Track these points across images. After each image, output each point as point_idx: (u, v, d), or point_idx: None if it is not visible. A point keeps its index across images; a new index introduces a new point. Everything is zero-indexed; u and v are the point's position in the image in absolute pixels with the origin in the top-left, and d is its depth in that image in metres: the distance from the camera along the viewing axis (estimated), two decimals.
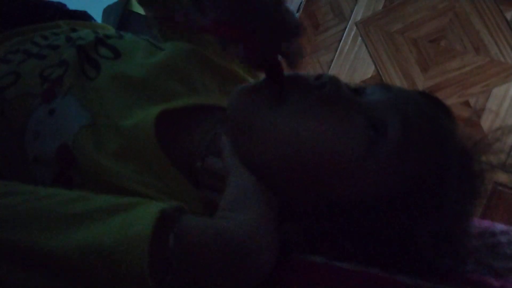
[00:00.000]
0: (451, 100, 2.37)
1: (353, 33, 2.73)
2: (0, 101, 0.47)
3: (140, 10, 1.97)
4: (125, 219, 0.31)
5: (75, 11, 0.69)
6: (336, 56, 2.75)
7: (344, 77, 2.63)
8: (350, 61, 2.71)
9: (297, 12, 2.89)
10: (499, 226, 0.50)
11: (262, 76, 0.67)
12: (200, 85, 0.53)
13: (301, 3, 2.90)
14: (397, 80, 2.54)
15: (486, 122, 2.31)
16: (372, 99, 0.42)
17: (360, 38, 2.70)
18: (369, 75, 2.63)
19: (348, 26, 2.75)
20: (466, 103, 2.36)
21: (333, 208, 0.40)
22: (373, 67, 2.63)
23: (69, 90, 0.46)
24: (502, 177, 2.04)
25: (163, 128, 0.46)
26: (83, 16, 0.71)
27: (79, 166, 0.42)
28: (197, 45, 0.57)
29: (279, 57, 0.42)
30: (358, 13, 2.73)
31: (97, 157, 0.42)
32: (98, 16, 1.60)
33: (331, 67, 2.76)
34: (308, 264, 0.38)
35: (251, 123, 0.41)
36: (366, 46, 2.67)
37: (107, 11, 1.86)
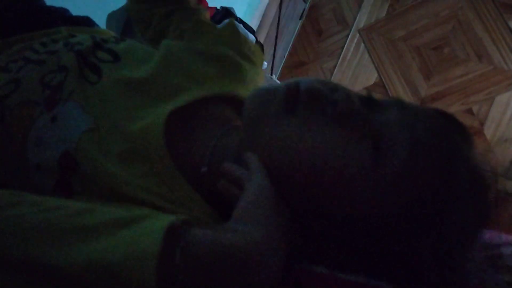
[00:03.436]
0: (454, 108, 2.36)
1: (356, 40, 2.73)
2: (1, 109, 0.47)
3: None
4: (133, 233, 0.31)
5: (77, 17, 0.70)
6: (339, 62, 2.76)
7: (346, 84, 2.62)
8: (353, 68, 2.71)
9: (300, 19, 2.90)
10: (504, 237, 0.50)
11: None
12: (200, 76, 0.53)
13: (304, 10, 2.91)
14: (400, 88, 2.54)
15: (489, 130, 2.31)
16: (384, 117, 0.41)
17: (363, 45, 2.71)
18: (372, 82, 2.63)
19: (351, 33, 2.75)
20: (469, 111, 2.36)
21: (334, 222, 0.39)
22: (375, 74, 2.63)
23: (70, 96, 0.46)
24: (508, 183, 2.02)
25: (171, 130, 0.46)
26: (86, 22, 0.71)
27: (82, 172, 0.42)
28: (188, 40, 0.58)
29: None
30: (361, 20, 2.74)
31: (100, 161, 0.42)
32: (102, 22, 1.60)
33: (333, 74, 2.76)
34: (311, 274, 0.38)
35: (260, 125, 0.41)
36: (369, 53, 2.67)
37: (111, 17, 1.86)
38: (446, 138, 0.41)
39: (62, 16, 0.66)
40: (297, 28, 2.91)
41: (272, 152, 0.40)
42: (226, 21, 0.63)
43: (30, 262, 0.30)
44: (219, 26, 0.64)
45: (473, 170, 0.41)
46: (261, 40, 2.62)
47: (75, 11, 0.76)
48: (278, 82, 1.67)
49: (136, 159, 0.44)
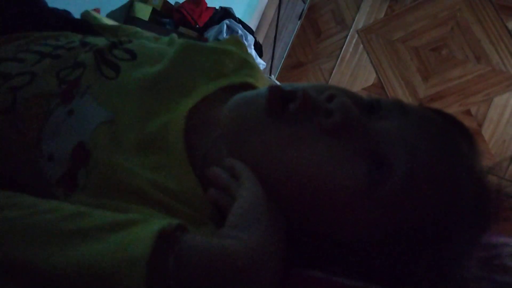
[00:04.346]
0: (452, 109, 2.37)
1: (354, 40, 2.74)
2: (13, 99, 0.47)
3: (142, 15, 1.99)
4: (124, 238, 0.31)
5: (79, 20, 0.70)
6: (337, 63, 2.76)
7: (345, 85, 2.64)
8: (352, 69, 2.71)
9: (299, 19, 2.91)
10: (501, 237, 0.50)
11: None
12: (215, 71, 0.53)
13: (303, 10, 2.91)
14: (398, 89, 2.54)
15: (488, 131, 2.32)
16: (383, 126, 0.38)
17: (361, 46, 2.71)
18: (370, 83, 2.64)
19: (349, 34, 2.76)
20: (468, 112, 2.37)
21: (328, 239, 0.38)
22: (374, 74, 2.63)
23: (86, 90, 0.46)
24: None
25: (187, 125, 0.46)
26: (87, 23, 0.72)
27: (92, 163, 0.42)
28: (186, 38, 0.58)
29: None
30: (360, 21, 2.75)
31: (112, 152, 0.42)
32: None
33: (332, 75, 2.76)
34: (308, 278, 0.37)
35: (244, 134, 0.40)
36: (367, 54, 2.68)
37: (110, 17, 1.87)
38: (449, 153, 0.38)
39: (65, 18, 0.66)
40: (296, 29, 2.91)
41: (258, 164, 0.39)
42: (225, 21, 0.63)
43: (21, 265, 0.30)
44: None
45: (477, 184, 0.39)
46: (260, 40, 2.62)
47: (75, 12, 0.76)
48: (277, 83, 1.67)
49: (151, 150, 0.44)
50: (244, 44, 0.60)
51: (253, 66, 0.57)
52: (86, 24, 0.69)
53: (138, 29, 0.72)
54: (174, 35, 0.66)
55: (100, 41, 0.54)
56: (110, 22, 0.75)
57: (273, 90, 0.39)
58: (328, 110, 0.38)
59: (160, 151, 0.44)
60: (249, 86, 0.54)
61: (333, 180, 0.36)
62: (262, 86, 0.56)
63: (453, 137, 0.40)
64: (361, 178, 0.36)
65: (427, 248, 0.37)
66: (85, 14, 0.74)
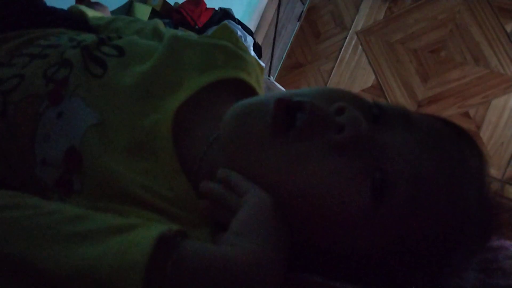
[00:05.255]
0: (451, 111, 2.37)
1: (353, 42, 2.74)
2: (3, 104, 0.47)
3: (142, 16, 1.99)
4: (123, 242, 0.31)
5: (77, 18, 0.70)
6: (336, 64, 2.76)
7: (344, 86, 2.64)
8: (351, 70, 2.72)
9: (298, 20, 2.91)
10: (498, 241, 0.49)
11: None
12: (204, 65, 0.52)
13: (302, 11, 2.92)
14: (397, 90, 2.55)
15: (486, 133, 2.32)
16: (388, 141, 0.37)
17: (360, 47, 2.71)
18: (369, 84, 2.64)
19: (349, 35, 2.76)
20: (466, 114, 2.37)
21: (329, 250, 0.38)
22: (373, 76, 2.64)
23: (75, 91, 0.46)
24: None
25: (177, 125, 0.45)
26: (85, 23, 0.71)
27: (85, 168, 0.42)
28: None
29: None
30: (359, 23, 2.75)
31: (103, 157, 0.42)
32: None
33: (331, 76, 2.77)
34: (307, 283, 0.37)
35: (245, 148, 0.39)
36: (366, 55, 2.68)
37: None
38: (455, 171, 0.37)
39: (63, 17, 0.66)
40: (295, 30, 2.92)
41: (258, 179, 0.38)
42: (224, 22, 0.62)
43: (21, 264, 0.30)
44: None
45: (483, 201, 0.39)
46: (259, 41, 2.62)
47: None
48: (278, 85, 1.67)
49: (142, 154, 0.43)
50: (234, 32, 0.60)
51: (244, 59, 0.56)
52: (84, 22, 0.69)
53: (131, 18, 0.71)
54: (159, 21, 0.65)
55: (89, 37, 0.53)
56: (94, 13, 0.74)
57: (279, 105, 0.38)
58: (338, 125, 0.36)
59: (149, 156, 0.43)
60: (242, 81, 0.53)
61: (338, 200, 0.35)
62: (255, 80, 0.56)
63: (460, 152, 0.39)
64: (365, 198, 0.35)
65: (427, 263, 0.37)
66: (72, 9, 0.74)
